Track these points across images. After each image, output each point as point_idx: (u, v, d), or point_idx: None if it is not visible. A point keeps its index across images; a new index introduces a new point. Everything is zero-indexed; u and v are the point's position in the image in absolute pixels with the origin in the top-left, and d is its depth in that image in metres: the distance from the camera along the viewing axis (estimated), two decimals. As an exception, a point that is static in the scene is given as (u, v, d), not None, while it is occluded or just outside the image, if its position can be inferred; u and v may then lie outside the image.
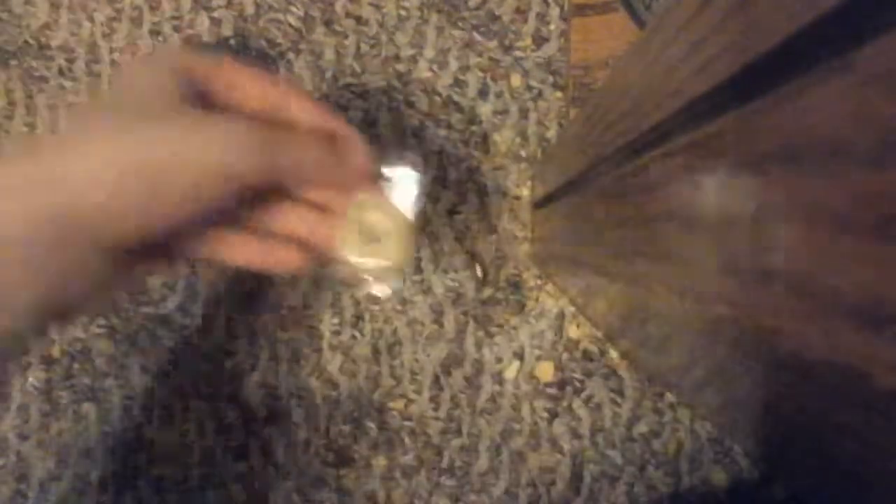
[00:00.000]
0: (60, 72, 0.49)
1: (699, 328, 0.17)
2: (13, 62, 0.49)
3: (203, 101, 0.26)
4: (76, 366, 0.47)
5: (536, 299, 0.45)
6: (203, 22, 0.49)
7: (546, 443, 0.45)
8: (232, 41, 0.48)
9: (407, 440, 0.45)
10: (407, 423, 0.45)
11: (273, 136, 0.25)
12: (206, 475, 0.46)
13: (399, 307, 0.46)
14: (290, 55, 0.48)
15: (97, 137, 0.23)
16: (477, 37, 0.47)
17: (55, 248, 0.22)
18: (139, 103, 0.24)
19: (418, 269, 0.46)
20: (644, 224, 0.20)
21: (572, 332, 0.45)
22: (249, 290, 0.47)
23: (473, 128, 0.46)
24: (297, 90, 0.28)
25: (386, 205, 0.30)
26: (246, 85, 0.27)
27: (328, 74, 0.47)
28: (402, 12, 0.47)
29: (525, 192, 0.46)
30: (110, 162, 0.23)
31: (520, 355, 0.45)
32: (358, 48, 0.47)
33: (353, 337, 0.46)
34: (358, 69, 0.47)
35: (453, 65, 0.47)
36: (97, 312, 0.37)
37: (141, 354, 0.47)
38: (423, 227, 0.44)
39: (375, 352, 0.46)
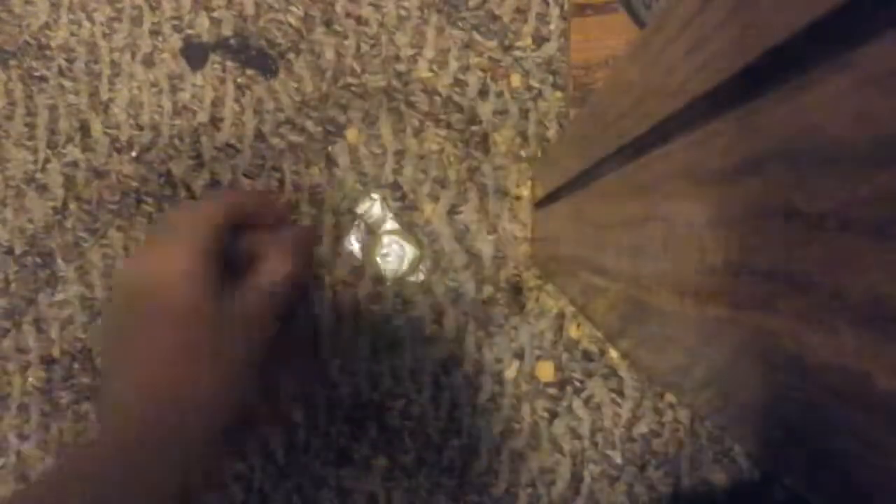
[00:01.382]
0: (60, 72, 0.49)
1: (699, 328, 0.17)
2: (13, 62, 0.49)
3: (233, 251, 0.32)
4: (76, 366, 0.47)
5: (536, 299, 0.45)
6: (203, 22, 0.49)
7: (546, 443, 0.45)
8: (232, 41, 0.48)
9: (407, 440, 0.45)
10: (407, 423, 0.45)
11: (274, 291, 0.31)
12: (206, 475, 0.46)
13: (399, 307, 0.46)
14: (290, 55, 0.48)
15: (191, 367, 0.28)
16: (477, 37, 0.47)
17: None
18: (177, 305, 0.28)
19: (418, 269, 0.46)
20: (644, 224, 0.20)
21: (572, 332, 0.45)
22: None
23: (473, 128, 0.46)
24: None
25: None
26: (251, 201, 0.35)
27: (328, 74, 0.47)
28: (402, 12, 0.47)
29: (525, 192, 0.46)
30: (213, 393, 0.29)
31: (520, 355, 0.45)
32: (358, 48, 0.47)
33: (353, 337, 0.46)
34: (358, 69, 0.47)
35: (453, 65, 0.47)
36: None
37: (141, 354, 0.47)
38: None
39: (375, 352, 0.46)
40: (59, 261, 0.48)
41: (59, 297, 0.48)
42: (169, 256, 0.28)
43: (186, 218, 0.31)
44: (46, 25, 0.49)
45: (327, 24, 0.48)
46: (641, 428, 0.44)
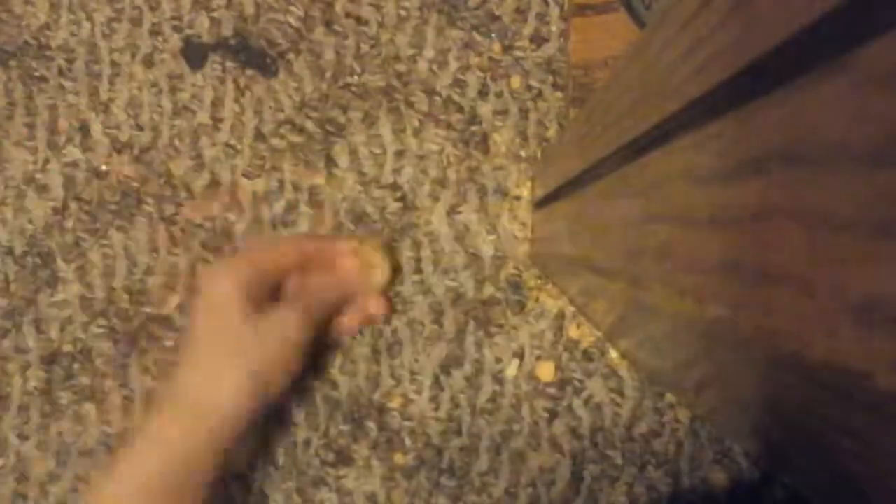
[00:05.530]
0: (60, 72, 0.49)
1: (699, 328, 0.17)
2: (13, 62, 0.49)
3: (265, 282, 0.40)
4: (76, 366, 0.47)
5: (536, 299, 0.45)
6: (203, 22, 0.49)
7: (546, 443, 0.45)
8: (232, 41, 0.48)
9: (407, 440, 0.45)
10: (407, 423, 0.45)
11: (308, 307, 0.40)
12: (206, 475, 0.46)
13: (399, 307, 0.46)
14: (290, 55, 0.48)
15: (220, 371, 0.37)
16: (477, 37, 0.47)
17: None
18: (220, 321, 0.38)
19: (418, 270, 0.46)
20: (644, 224, 0.20)
21: (572, 332, 0.45)
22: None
23: (473, 128, 0.46)
24: (307, 244, 0.43)
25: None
26: (277, 257, 0.41)
27: (328, 74, 0.47)
28: (402, 12, 0.47)
29: (525, 192, 0.46)
30: (237, 389, 0.37)
31: (520, 355, 0.45)
32: (358, 48, 0.47)
33: (353, 337, 0.46)
34: (358, 69, 0.47)
35: (453, 65, 0.47)
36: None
37: (141, 354, 0.47)
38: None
39: (375, 352, 0.46)
40: (59, 261, 0.48)
41: (59, 297, 0.48)
42: (217, 282, 0.39)
43: (241, 255, 0.44)
44: (46, 25, 0.49)
45: (327, 24, 0.48)
46: (641, 428, 0.44)
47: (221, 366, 0.37)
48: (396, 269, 0.46)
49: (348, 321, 0.44)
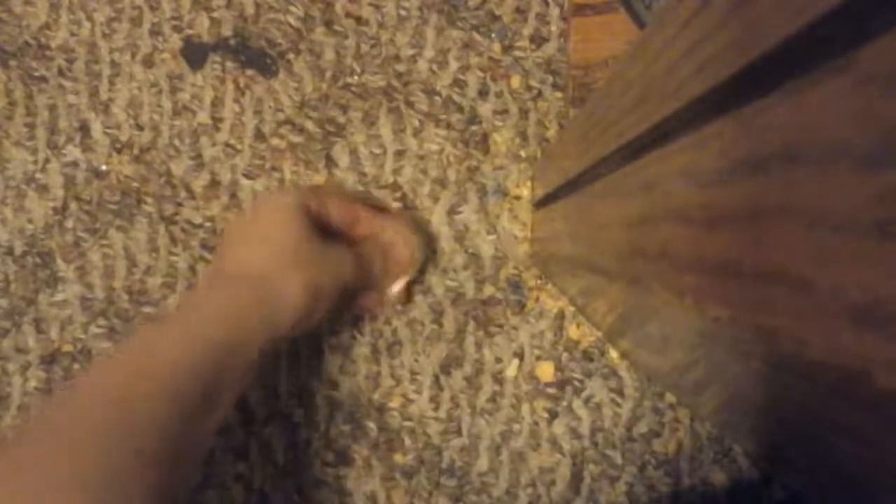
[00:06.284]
0: (60, 72, 0.49)
1: (699, 328, 0.17)
2: (13, 62, 0.49)
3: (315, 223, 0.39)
4: (76, 366, 0.47)
5: (536, 299, 0.45)
6: (203, 22, 0.49)
7: (546, 443, 0.45)
8: (232, 41, 0.48)
9: (407, 440, 0.45)
10: (407, 423, 0.45)
11: (362, 255, 0.40)
12: (206, 475, 0.46)
13: (399, 307, 0.46)
14: (290, 55, 0.48)
15: (286, 273, 0.36)
16: (477, 37, 0.47)
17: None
18: (283, 227, 0.37)
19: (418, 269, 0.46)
20: (644, 224, 0.20)
21: (572, 332, 0.45)
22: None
23: (473, 128, 0.46)
24: (359, 208, 0.42)
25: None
26: (333, 209, 0.40)
27: (328, 74, 0.47)
28: (402, 12, 0.47)
29: (525, 192, 0.46)
30: (303, 286, 0.35)
31: (520, 355, 0.45)
32: (358, 48, 0.47)
33: (353, 337, 0.46)
34: (358, 69, 0.47)
35: (453, 65, 0.47)
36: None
37: (141, 354, 0.47)
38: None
39: (375, 352, 0.46)
40: (59, 261, 0.48)
41: (59, 297, 0.48)
42: (283, 199, 0.38)
43: (310, 189, 0.42)
44: (46, 25, 0.50)
45: (327, 24, 0.48)
46: (641, 428, 0.44)
47: (283, 263, 0.36)
48: (421, 268, 0.45)
49: (372, 299, 0.44)
